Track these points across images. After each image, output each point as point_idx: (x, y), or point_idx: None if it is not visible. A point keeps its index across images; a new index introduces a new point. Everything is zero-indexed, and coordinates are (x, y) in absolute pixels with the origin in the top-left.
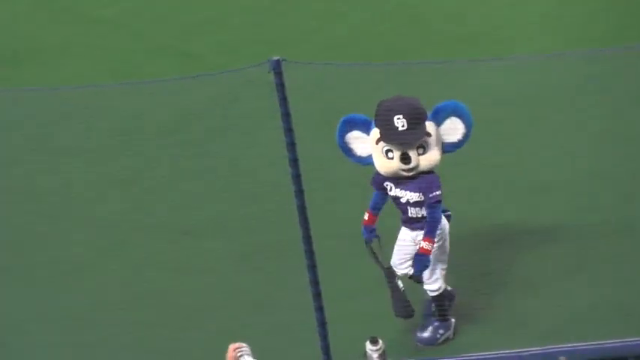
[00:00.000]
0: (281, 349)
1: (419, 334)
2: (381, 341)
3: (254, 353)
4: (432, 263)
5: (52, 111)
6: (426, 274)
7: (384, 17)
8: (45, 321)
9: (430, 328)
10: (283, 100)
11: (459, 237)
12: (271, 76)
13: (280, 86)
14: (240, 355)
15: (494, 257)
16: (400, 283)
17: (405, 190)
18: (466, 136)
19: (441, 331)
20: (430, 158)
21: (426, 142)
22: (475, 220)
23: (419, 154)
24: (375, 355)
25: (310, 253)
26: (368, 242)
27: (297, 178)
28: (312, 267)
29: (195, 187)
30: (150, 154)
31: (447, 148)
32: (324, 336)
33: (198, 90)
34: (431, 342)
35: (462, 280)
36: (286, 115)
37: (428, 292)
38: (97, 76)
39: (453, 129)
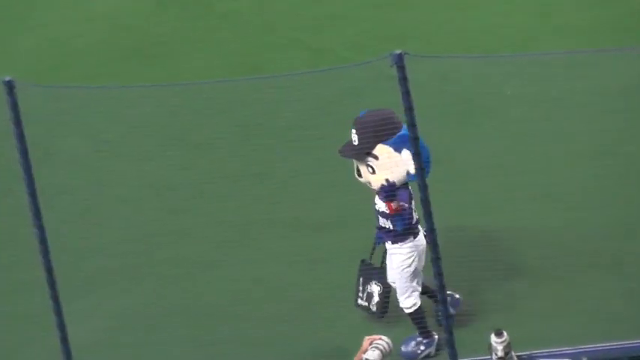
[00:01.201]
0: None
1: (402, 348)
2: (505, 333)
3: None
4: (404, 281)
5: (183, 106)
6: (398, 292)
7: (512, 9)
8: (180, 317)
9: (413, 343)
10: (406, 94)
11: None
12: (394, 70)
13: (403, 80)
14: (373, 348)
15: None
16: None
17: (379, 199)
18: (419, 170)
19: (422, 348)
20: (378, 180)
21: (374, 164)
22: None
23: (370, 173)
24: (500, 348)
25: (435, 246)
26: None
27: (419, 171)
28: (437, 259)
29: (325, 181)
30: (280, 148)
31: (409, 177)
32: (449, 329)
33: (328, 84)
34: (412, 357)
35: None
36: (409, 110)
37: (403, 309)
38: (228, 70)
39: (409, 160)
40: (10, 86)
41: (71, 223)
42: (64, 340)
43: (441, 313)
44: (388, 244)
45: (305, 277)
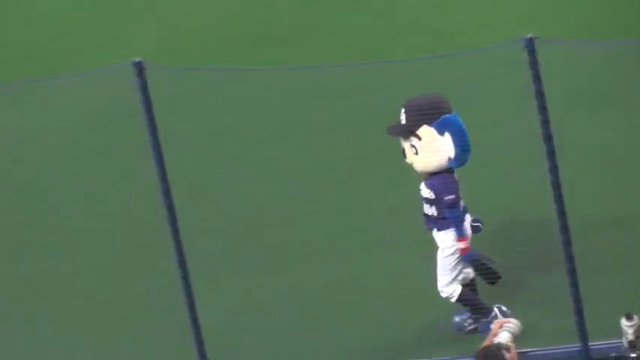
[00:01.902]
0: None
1: (454, 318)
2: (636, 317)
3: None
4: (445, 269)
5: (303, 90)
6: (439, 279)
7: None
8: (297, 300)
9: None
10: (537, 77)
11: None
12: (524, 54)
13: (534, 64)
14: (504, 330)
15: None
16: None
17: (423, 185)
18: (457, 158)
19: (472, 320)
20: (421, 161)
21: (417, 144)
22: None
23: (413, 154)
24: (630, 331)
25: (565, 229)
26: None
27: (551, 154)
28: (567, 243)
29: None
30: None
31: (449, 162)
32: (579, 312)
33: (449, 69)
34: (459, 328)
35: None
36: (540, 94)
37: (444, 296)
38: (347, 54)
39: (449, 145)
40: (139, 67)
41: (191, 204)
42: (195, 320)
43: (572, 297)
44: (434, 232)
45: (426, 263)
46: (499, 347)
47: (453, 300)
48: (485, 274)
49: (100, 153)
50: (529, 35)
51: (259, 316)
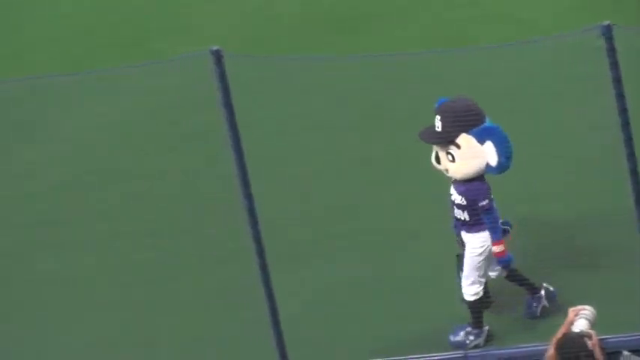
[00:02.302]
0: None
1: (450, 337)
2: None
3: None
4: (471, 269)
5: (386, 78)
6: (463, 278)
7: None
8: (384, 289)
9: (462, 333)
10: (614, 65)
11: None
12: (600, 42)
13: (611, 51)
14: (580, 318)
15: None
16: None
17: (454, 190)
18: (499, 165)
19: (471, 338)
20: (458, 169)
21: (455, 152)
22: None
23: (449, 161)
24: None
25: None
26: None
27: (629, 142)
28: None
29: (528, 153)
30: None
31: (487, 169)
32: None
33: (530, 56)
34: (460, 346)
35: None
36: (617, 81)
37: (465, 296)
38: (430, 42)
39: (491, 153)
40: (217, 56)
41: (273, 193)
42: (273, 311)
43: None
44: (463, 233)
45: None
46: (581, 335)
47: (469, 299)
48: (517, 280)
49: (183, 141)
50: (606, 22)
51: (340, 306)
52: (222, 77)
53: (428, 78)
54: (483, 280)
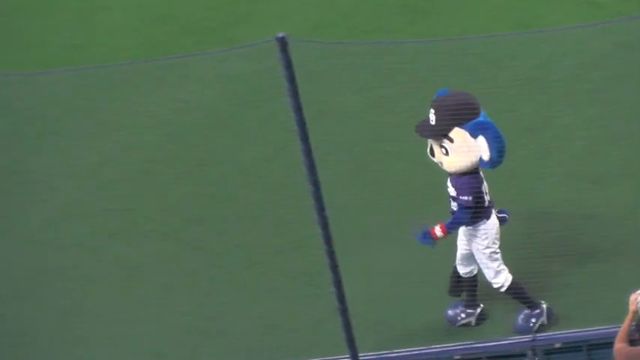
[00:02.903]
0: None
1: (516, 324)
2: None
3: None
4: (487, 262)
5: (453, 63)
6: (485, 274)
7: None
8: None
9: (522, 317)
10: None
11: None
12: None
13: None
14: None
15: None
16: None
17: (449, 183)
18: (491, 160)
19: (533, 320)
20: (451, 163)
21: (448, 146)
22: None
23: (443, 154)
24: None
25: None
26: None
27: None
28: None
29: (598, 135)
30: (554, 102)
31: (481, 163)
32: None
33: (601, 38)
34: (526, 330)
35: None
36: None
37: (497, 288)
38: (497, 26)
39: (484, 147)
40: (283, 43)
41: (345, 179)
42: (341, 297)
43: None
44: (462, 227)
45: (579, 231)
46: None
47: (503, 290)
48: (517, 295)
49: (255, 128)
50: None
51: (408, 291)
52: (288, 64)
53: (497, 61)
54: (504, 267)
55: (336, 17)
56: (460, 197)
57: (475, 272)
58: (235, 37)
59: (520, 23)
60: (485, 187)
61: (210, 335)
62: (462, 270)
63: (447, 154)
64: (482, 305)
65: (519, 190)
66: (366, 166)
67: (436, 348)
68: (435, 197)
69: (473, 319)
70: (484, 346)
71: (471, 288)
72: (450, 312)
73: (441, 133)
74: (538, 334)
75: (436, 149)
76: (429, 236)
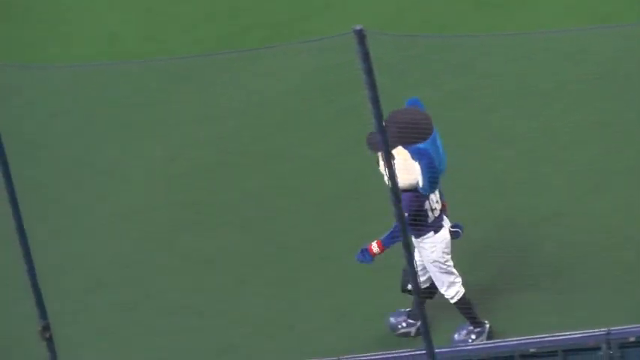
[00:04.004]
0: None
1: (455, 335)
2: None
3: None
4: (438, 274)
5: (525, 55)
6: (437, 284)
7: None
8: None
9: (464, 332)
10: None
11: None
12: None
13: None
14: None
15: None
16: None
17: None
18: (424, 188)
19: (473, 337)
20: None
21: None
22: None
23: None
24: None
25: None
26: None
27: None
28: None
29: None
30: (625, 97)
31: (419, 187)
32: None
33: None
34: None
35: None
36: None
37: (449, 300)
38: (574, 19)
39: (420, 172)
40: (361, 35)
41: None
42: (417, 289)
43: None
44: (413, 239)
45: None
46: None
47: (453, 302)
48: (464, 309)
49: (328, 122)
50: None
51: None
52: (366, 56)
53: (572, 55)
54: (458, 279)
55: (410, 10)
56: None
57: (428, 285)
58: (306, 31)
59: (597, 18)
60: (431, 203)
61: (282, 328)
62: (420, 279)
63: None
64: (487, 323)
65: (595, 181)
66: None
67: (514, 341)
68: (504, 189)
69: (413, 330)
70: (560, 339)
71: (424, 298)
72: (392, 319)
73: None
74: (613, 328)
75: (381, 162)
76: (366, 253)
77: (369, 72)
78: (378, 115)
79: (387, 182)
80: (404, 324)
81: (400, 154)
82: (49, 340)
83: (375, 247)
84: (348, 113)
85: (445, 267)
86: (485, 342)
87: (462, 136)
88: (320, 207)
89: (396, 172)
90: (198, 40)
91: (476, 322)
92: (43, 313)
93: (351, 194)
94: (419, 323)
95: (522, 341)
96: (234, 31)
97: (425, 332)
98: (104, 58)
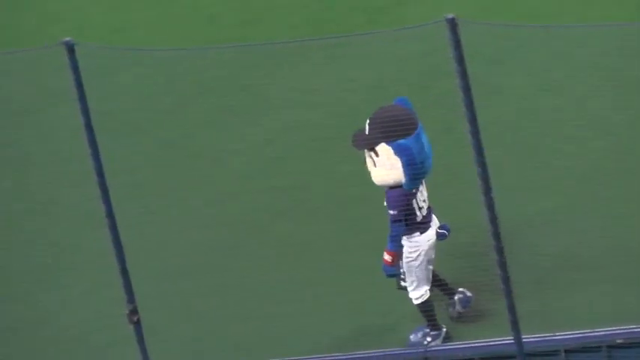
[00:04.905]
0: None
1: (410, 336)
2: None
3: None
4: (410, 273)
5: (623, 46)
6: (407, 283)
7: None
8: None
9: (420, 334)
10: None
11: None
12: None
13: None
14: None
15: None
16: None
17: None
18: (407, 184)
19: (428, 339)
20: (376, 176)
21: (375, 159)
22: None
23: (372, 165)
24: None
25: None
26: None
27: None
28: None
29: None
30: None
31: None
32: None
33: None
34: (417, 344)
35: None
36: None
37: (412, 300)
38: None
39: (402, 169)
40: (453, 23)
41: (515, 160)
42: (506, 279)
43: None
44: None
45: None
46: None
47: (416, 303)
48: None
49: (422, 109)
50: None
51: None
52: (457, 45)
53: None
54: (428, 284)
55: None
56: (388, 210)
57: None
58: (404, 16)
59: None
60: (418, 202)
61: (375, 315)
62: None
63: (375, 165)
64: (444, 328)
65: None
66: (533, 148)
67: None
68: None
69: (439, 342)
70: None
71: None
72: (414, 338)
73: (368, 145)
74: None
75: (367, 159)
76: (386, 267)
77: (461, 60)
78: (469, 103)
79: (373, 180)
80: (428, 338)
81: (383, 150)
82: (137, 324)
83: (386, 257)
84: (441, 100)
85: (420, 269)
86: (568, 332)
87: (559, 125)
88: None
89: (380, 168)
90: (294, 25)
91: (434, 326)
92: (130, 297)
93: (441, 182)
94: (443, 330)
95: (589, 334)
96: (329, 17)
97: (513, 322)
98: (201, 41)
